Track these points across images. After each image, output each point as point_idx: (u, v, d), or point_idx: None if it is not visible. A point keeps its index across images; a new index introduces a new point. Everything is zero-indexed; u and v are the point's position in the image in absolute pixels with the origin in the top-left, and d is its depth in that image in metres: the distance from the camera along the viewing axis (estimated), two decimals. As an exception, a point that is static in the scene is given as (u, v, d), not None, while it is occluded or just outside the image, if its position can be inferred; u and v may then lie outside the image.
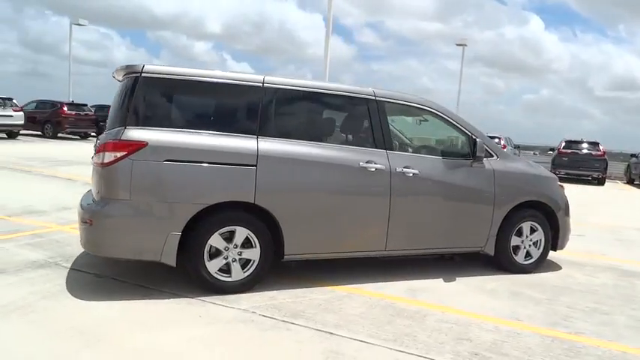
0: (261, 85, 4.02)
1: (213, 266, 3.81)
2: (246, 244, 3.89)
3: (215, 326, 3.24)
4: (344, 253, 4.34)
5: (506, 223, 4.81)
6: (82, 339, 2.94)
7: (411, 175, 4.34)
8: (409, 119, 5.06)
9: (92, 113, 21.68)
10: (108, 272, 4.16)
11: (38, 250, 4.71)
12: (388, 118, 4.50)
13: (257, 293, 3.88)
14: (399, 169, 4.30)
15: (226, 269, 3.86)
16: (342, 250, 4.30)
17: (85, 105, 22.27)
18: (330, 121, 4.43)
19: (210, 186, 3.74)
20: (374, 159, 4.24)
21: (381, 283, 4.30)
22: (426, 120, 4.94)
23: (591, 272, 5.20)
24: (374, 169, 4.21)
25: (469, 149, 4.66)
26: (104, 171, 3.62)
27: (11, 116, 17.67)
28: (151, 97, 3.76)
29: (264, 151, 3.89)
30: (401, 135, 4.98)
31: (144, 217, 3.63)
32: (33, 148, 15.78)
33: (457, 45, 23.27)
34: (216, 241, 3.80)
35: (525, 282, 4.66)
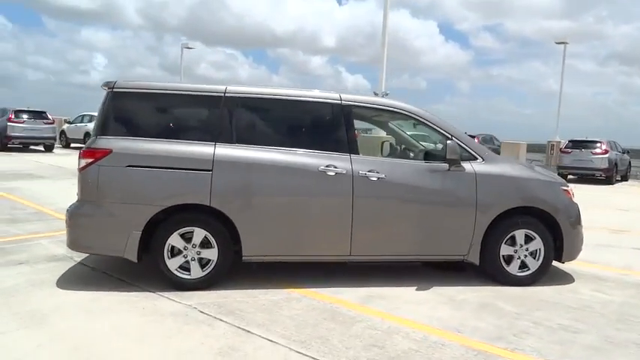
0: (222, 94, 4.27)
1: (173, 264, 4.12)
2: (206, 244, 4.15)
3: (147, 317, 3.53)
4: (306, 257, 4.40)
5: (493, 230, 4.50)
6: (28, 320, 3.41)
7: (375, 179, 4.28)
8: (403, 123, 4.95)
9: None
10: (103, 267, 4.67)
11: (63, 246, 5.42)
12: (357, 122, 4.49)
13: (214, 291, 4.11)
14: (361, 173, 4.26)
15: (187, 267, 4.14)
16: (303, 254, 4.36)
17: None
18: (293, 126, 4.53)
19: (167, 189, 4.07)
20: (335, 163, 4.25)
21: (343, 288, 4.29)
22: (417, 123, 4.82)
23: (606, 288, 4.63)
24: (333, 173, 4.22)
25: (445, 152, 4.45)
26: (79, 175, 4.12)
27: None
28: (120, 110, 4.20)
29: (220, 157, 4.12)
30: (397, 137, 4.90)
31: (109, 216, 4.06)
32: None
33: (556, 43, 21.44)
34: (175, 240, 4.11)
35: (509, 295, 4.31)
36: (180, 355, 2.99)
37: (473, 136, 19.11)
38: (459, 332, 3.46)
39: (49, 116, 19.55)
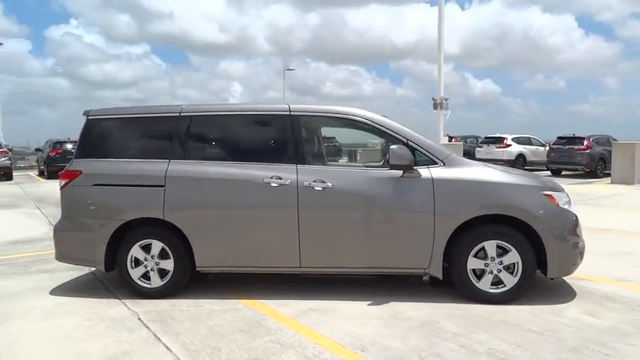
0: (178, 114, 4.54)
1: (135, 273, 4.44)
2: (164, 255, 4.41)
3: (88, 322, 3.86)
4: (258, 269, 4.43)
5: (458, 241, 4.10)
6: (-6, 320, 3.96)
7: (321, 188, 4.18)
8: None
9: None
10: (104, 276, 5.18)
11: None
12: (307, 131, 4.44)
13: (171, 299, 4.33)
14: (306, 184, 4.20)
15: (148, 277, 4.44)
16: (254, 265, 4.40)
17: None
18: (244, 140, 4.61)
19: (127, 205, 4.42)
20: (280, 174, 4.25)
21: (291, 300, 4.23)
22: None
23: (605, 311, 3.94)
24: (277, 185, 4.22)
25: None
26: (60, 194, 4.67)
27: None
28: (92, 135, 4.68)
29: (171, 173, 4.38)
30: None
31: (82, 231, 4.53)
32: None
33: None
34: (136, 252, 4.43)
35: (469, 314, 3.88)
36: (75, 356, 3.24)
37: (573, 138, 17.58)
38: (362, 351, 3.22)
39: None
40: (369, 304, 4.13)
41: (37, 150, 23.64)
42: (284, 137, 4.40)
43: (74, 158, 4.67)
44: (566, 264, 4.14)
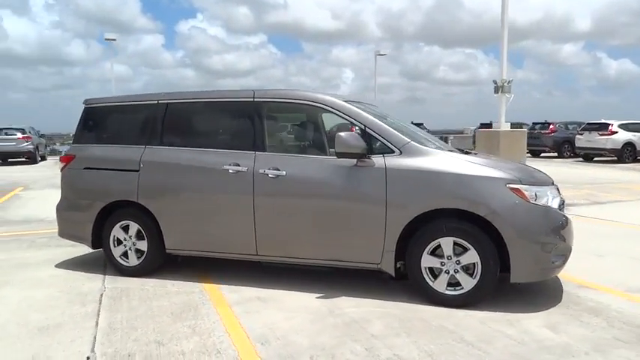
0: (156, 102, 4.73)
1: (117, 252, 4.76)
2: (140, 236, 4.66)
3: (58, 293, 4.21)
4: (219, 254, 4.47)
5: (412, 236, 3.80)
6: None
7: (274, 176, 4.11)
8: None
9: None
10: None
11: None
12: (269, 118, 4.37)
13: (144, 279, 4.58)
14: (261, 171, 4.15)
15: (127, 255, 4.73)
16: (215, 251, 4.46)
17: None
18: (212, 127, 4.64)
19: (108, 187, 4.72)
20: (239, 161, 4.26)
21: (247, 288, 4.25)
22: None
23: (575, 327, 3.41)
24: (234, 172, 4.23)
25: None
26: (60, 176, 5.12)
27: None
28: (87, 121, 5.05)
29: (145, 158, 4.59)
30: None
31: (75, 210, 4.95)
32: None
33: None
34: (117, 232, 4.74)
35: (412, 316, 3.60)
36: (15, 323, 3.57)
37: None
38: (261, 345, 3.13)
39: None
40: (316, 297, 4.00)
41: None
42: (247, 124, 4.38)
43: (72, 143, 5.10)
44: (533, 268, 3.63)
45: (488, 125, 23.05)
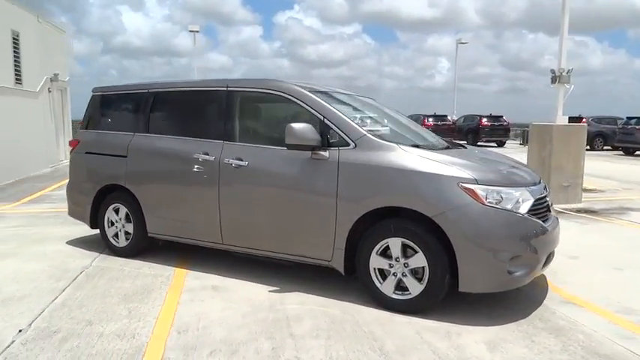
0: (147, 91, 4.89)
1: (110, 232, 5.03)
2: (129, 219, 4.89)
3: (47, 268, 4.53)
4: (190, 241, 4.53)
5: (362, 234, 3.61)
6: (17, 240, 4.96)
7: (236, 166, 4.10)
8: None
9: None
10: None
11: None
12: (241, 108, 4.33)
13: (129, 259, 4.80)
14: (226, 161, 4.16)
15: (118, 236, 4.99)
16: (187, 237, 4.53)
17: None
18: (188, 116, 4.68)
19: (103, 172, 4.99)
20: (208, 150, 4.29)
21: (213, 275, 4.32)
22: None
23: (517, 346, 3.05)
24: (202, 160, 4.28)
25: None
26: (69, 159, 5.49)
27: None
28: (93, 108, 5.34)
29: (132, 145, 4.79)
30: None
31: (78, 192, 5.29)
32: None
33: None
34: (110, 214, 5.01)
35: (349, 318, 3.43)
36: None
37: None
38: (177, 333, 3.15)
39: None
40: (269, 290, 3.94)
41: None
42: (219, 113, 4.39)
43: (79, 129, 5.44)
44: (484, 277, 3.28)
45: (578, 119, 21.13)
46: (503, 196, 3.32)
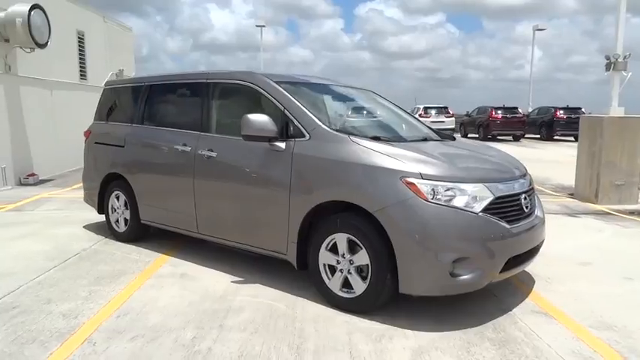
0: (143, 84, 5.09)
1: (113, 218, 5.32)
2: (127, 206, 5.13)
3: (47, 248, 4.87)
4: (173, 229, 4.65)
5: (313, 229, 3.52)
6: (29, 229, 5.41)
7: (207, 157, 4.16)
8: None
9: (522, 115, 22.04)
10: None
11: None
12: (216, 99, 4.37)
13: (125, 244, 5.05)
14: (199, 152, 4.23)
15: (118, 222, 5.26)
16: (172, 225, 4.66)
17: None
18: (174, 108, 4.78)
19: (106, 161, 5.28)
20: (187, 141, 4.39)
21: (189, 263, 4.43)
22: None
23: (448, 355, 2.82)
24: (181, 151, 4.38)
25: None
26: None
27: (443, 122, 20.85)
28: (104, 101, 5.65)
29: (128, 136, 5.01)
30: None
31: (88, 179, 5.63)
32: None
33: None
34: (112, 201, 5.29)
35: (287, 313, 3.36)
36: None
37: None
38: (116, 318, 3.25)
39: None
40: (232, 281, 3.96)
41: None
42: (198, 105, 4.45)
43: (93, 120, 5.78)
44: (424, 279, 3.05)
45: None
46: (452, 192, 3.06)
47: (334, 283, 3.41)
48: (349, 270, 3.32)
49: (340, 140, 3.45)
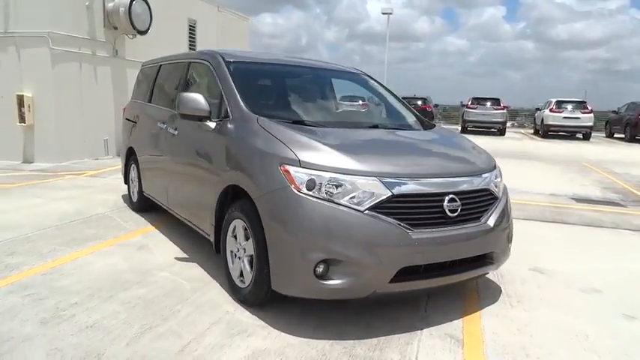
0: (157, 64, 5.37)
1: (131, 189, 5.76)
2: (140, 178, 5.52)
3: (72, 210, 5.48)
4: (160, 203, 4.84)
5: (223, 213, 3.42)
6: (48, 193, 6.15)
7: (172, 135, 4.28)
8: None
9: None
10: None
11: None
12: (192, 78, 4.44)
13: (134, 213, 5.45)
14: (169, 130, 4.37)
15: (134, 193, 5.68)
16: (159, 200, 4.86)
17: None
18: (171, 87, 4.89)
19: (127, 136, 5.72)
20: (165, 119, 4.56)
21: (162, 237, 4.61)
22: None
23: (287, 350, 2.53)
24: (160, 127, 4.57)
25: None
26: (122, 124, 6.38)
27: (579, 118, 18.33)
28: (137, 81, 6.08)
29: (140, 113, 5.36)
30: None
31: (122, 153, 6.14)
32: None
33: None
34: (131, 173, 5.72)
35: (195, 302, 3.30)
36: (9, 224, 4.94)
37: None
38: (40, 276, 3.52)
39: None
40: (176, 257, 4.02)
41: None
42: (176, 84, 4.59)
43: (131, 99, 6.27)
44: (291, 279, 2.74)
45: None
46: (334, 184, 2.70)
47: (234, 271, 3.27)
48: (243, 259, 3.15)
49: (249, 120, 3.26)
